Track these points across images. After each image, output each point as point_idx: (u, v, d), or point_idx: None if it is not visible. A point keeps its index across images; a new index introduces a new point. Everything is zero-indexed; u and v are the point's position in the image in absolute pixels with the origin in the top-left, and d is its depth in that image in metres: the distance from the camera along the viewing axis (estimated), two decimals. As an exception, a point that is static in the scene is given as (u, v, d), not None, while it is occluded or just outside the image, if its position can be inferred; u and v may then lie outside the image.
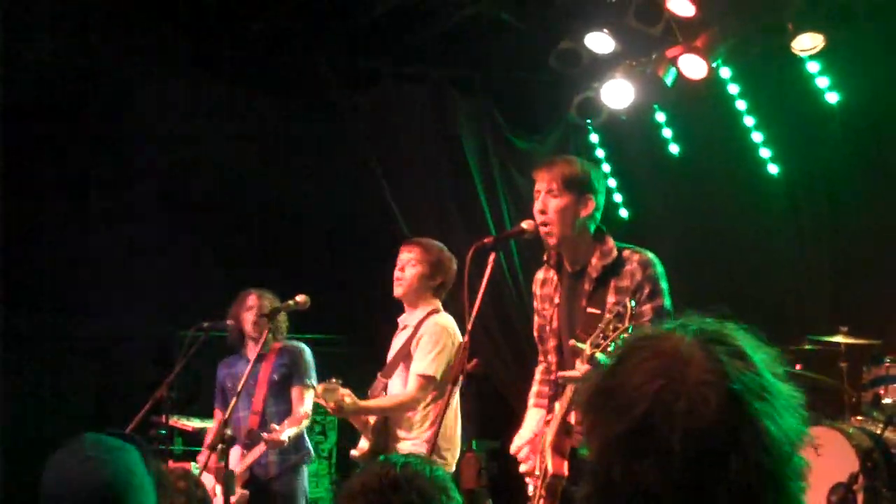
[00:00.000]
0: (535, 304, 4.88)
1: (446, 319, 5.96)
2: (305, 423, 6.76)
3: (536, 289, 4.87)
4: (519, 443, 4.76)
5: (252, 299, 6.89)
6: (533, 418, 4.86)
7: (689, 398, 1.39)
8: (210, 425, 7.32)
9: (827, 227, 7.65)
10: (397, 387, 5.94)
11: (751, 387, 1.41)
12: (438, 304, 6.07)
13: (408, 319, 6.08)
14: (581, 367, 4.15)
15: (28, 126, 8.61)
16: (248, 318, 6.85)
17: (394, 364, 6.03)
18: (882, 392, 6.06)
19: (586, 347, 4.16)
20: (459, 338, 5.77)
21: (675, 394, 1.40)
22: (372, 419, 5.94)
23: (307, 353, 6.98)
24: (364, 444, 5.98)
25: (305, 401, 6.81)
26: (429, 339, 5.87)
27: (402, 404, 5.85)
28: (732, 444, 1.38)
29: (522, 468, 4.70)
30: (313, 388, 6.73)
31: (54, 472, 2.55)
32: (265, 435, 6.45)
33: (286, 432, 6.46)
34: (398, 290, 6.05)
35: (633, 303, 4.19)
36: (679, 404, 1.39)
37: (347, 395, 5.66)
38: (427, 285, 6.01)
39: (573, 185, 4.53)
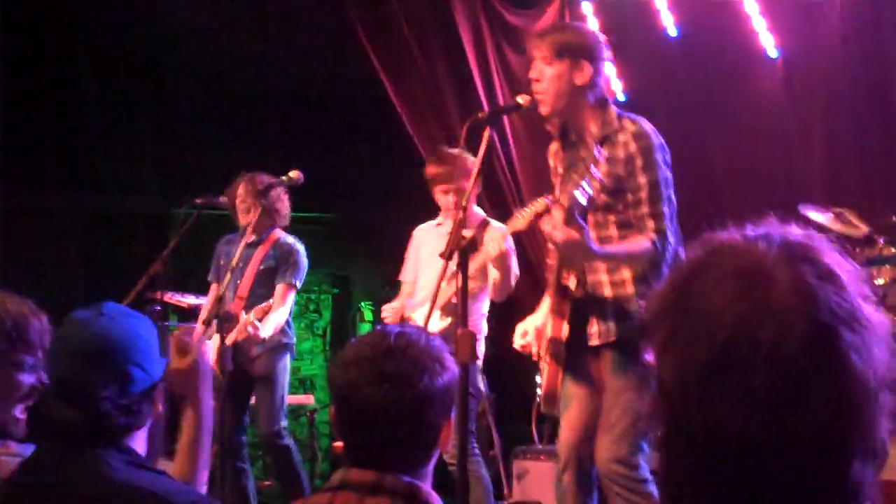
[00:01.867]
0: (551, 175, 4.83)
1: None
2: (282, 320, 6.76)
3: (550, 160, 4.80)
4: (526, 325, 4.68)
5: (246, 180, 6.80)
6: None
7: (775, 326, 1.25)
8: (204, 301, 7.37)
9: (821, 106, 7.60)
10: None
11: (841, 315, 1.26)
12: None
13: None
14: (554, 217, 4.08)
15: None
16: (241, 202, 6.79)
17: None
18: (875, 273, 6.08)
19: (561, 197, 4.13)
20: None
21: (759, 321, 1.25)
22: None
23: (300, 254, 6.94)
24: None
25: (287, 300, 6.83)
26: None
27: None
28: (818, 379, 1.24)
29: (518, 343, 4.67)
30: (296, 288, 6.86)
31: (70, 324, 2.60)
32: (250, 329, 6.46)
33: (265, 330, 6.53)
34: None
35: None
36: (763, 333, 1.24)
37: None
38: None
39: (567, 51, 4.42)
